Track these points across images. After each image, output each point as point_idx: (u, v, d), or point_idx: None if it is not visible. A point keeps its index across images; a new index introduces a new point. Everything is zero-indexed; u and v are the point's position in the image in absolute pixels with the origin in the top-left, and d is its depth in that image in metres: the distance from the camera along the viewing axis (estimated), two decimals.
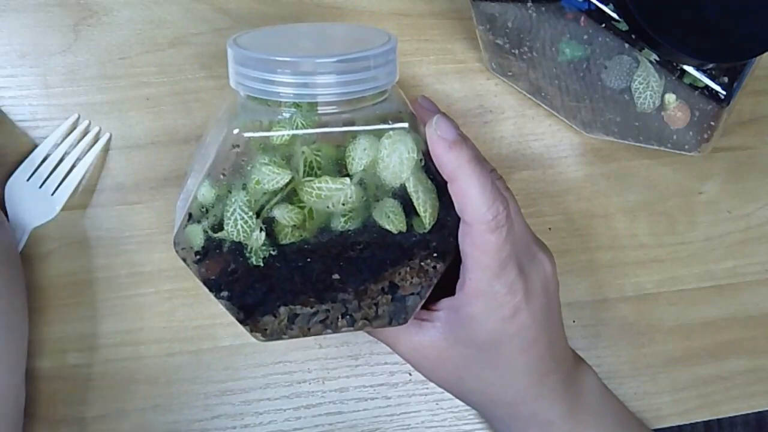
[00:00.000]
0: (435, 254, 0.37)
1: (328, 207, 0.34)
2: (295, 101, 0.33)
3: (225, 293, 0.36)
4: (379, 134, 0.34)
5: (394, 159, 0.34)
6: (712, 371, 0.51)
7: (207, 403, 0.47)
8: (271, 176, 0.33)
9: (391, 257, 0.37)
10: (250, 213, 0.34)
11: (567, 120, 0.49)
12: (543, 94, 0.48)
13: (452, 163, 0.35)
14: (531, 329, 0.38)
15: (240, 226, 0.34)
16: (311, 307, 0.37)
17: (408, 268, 0.37)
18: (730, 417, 0.51)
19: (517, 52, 0.45)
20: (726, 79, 0.38)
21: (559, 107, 0.48)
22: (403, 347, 0.41)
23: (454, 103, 0.49)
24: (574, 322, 0.50)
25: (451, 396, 0.43)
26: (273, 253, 0.35)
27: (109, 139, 0.46)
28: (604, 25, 0.38)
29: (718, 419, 0.51)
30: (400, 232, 0.35)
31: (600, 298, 0.50)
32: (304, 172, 0.34)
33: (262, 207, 0.34)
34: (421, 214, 0.35)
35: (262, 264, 0.35)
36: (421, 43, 0.49)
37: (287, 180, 0.33)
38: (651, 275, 0.51)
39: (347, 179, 0.34)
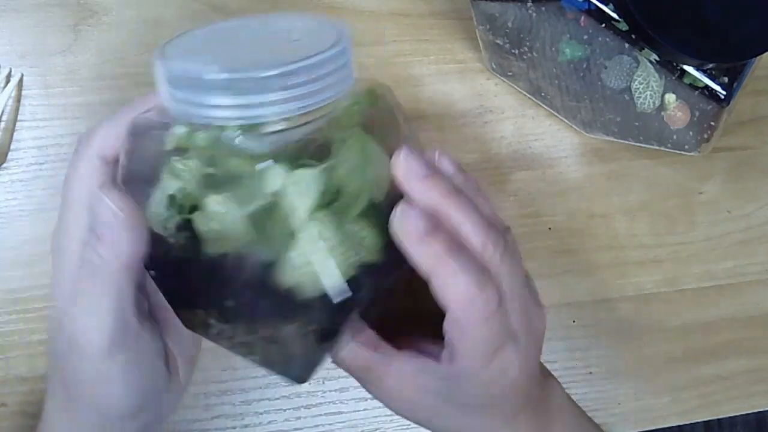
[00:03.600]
0: (320, 330, 0.31)
1: (208, 227, 0.29)
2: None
3: (152, 272, 0.32)
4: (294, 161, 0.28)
5: (292, 200, 0.28)
6: (712, 371, 0.51)
7: (207, 403, 0.46)
8: (167, 179, 0.30)
9: (269, 307, 0.30)
10: (167, 204, 0.30)
11: (567, 120, 0.49)
12: (543, 94, 0.48)
13: (427, 259, 0.30)
14: (517, 387, 0.35)
15: (155, 217, 0.31)
16: (219, 322, 0.32)
17: (296, 326, 0.31)
18: (730, 417, 0.51)
19: (517, 52, 0.45)
20: (726, 79, 0.38)
21: (559, 107, 0.48)
22: (377, 390, 0.37)
23: (454, 103, 0.49)
24: (574, 322, 0.50)
25: None
26: (181, 255, 0.31)
27: (21, 79, 0.45)
28: (604, 25, 0.38)
29: (718, 419, 0.51)
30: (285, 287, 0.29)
31: (600, 298, 0.50)
32: (203, 183, 0.29)
33: (192, 205, 0.30)
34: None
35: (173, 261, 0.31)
36: (421, 43, 0.49)
37: (176, 188, 0.30)
38: (651, 275, 0.51)
39: (235, 206, 0.28)
